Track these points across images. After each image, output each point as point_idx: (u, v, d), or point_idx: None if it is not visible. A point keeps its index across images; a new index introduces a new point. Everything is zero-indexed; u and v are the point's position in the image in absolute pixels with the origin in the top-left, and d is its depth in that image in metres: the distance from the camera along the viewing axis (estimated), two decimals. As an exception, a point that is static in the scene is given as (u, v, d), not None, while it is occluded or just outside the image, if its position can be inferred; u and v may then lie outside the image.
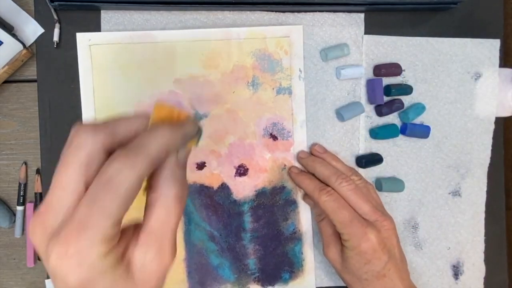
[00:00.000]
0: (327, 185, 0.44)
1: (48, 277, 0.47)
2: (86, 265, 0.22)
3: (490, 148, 0.52)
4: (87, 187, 0.23)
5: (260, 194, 0.49)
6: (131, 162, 0.23)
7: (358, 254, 0.42)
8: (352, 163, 0.50)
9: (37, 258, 0.49)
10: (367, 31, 0.50)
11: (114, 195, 0.22)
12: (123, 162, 0.23)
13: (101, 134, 0.24)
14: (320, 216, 0.47)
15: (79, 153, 0.23)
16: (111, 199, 0.22)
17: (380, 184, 0.50)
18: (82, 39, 0.47)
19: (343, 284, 0.50)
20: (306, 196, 0.48)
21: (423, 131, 0.50)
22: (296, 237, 0.49)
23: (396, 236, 0.44)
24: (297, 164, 0.49)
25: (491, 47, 0.52)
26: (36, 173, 0.49)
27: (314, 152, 0.48)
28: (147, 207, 0.25)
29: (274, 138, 0.49)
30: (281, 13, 0.49)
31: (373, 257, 0.41)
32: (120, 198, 0.22)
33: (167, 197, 0.24)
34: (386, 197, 0.50)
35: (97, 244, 0.22)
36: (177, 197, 0.25)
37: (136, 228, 0.25)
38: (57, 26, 0.47)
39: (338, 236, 0.44)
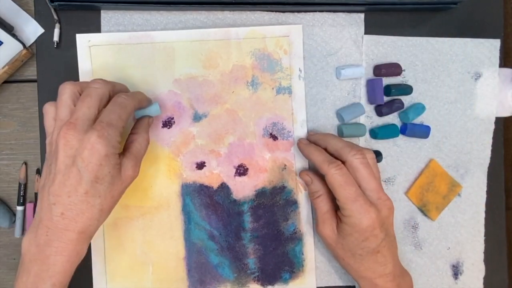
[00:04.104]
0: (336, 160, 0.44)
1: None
2: (111, 144, 0.37)
3: (490, 148, 0.52)
4: (100, 110, 0.39)
5: (260, 194, 0.49)
6: (131, 97, 0.40)
7: (357, 232, 0.42)
8: (352, 163, 0.50)
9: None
10: (367, 31, 0.50)
11: (124, 111, 0.39)
12: (127, 96, 0.40)
13: (109, 85, 0.40)
14: (317, 192, 0.46)
15: (97, 91, 0.39)
16: (123, 113, 0.39)
17: (341, 130, 0.49)
18: (82, 40, 0.47)
19: (343, 284, 0.51)
20: (303, 173, 0.48)
21: (423, 131, 0.50)
22: (296, 237, 0.49)
23: (393, 215, 0.45)
24: (298, 164, 0.49)
25: (491, 47, 0.52)
26: (36, 173, 0.49)
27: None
28: (130, 141, 0.42)
29: (274, 138, 0.49)
30: (281, 13, 0.49)
31: (371, 235, 0.42)
32: (127, 113, 0.39)
33: (142, 137, 0.43)
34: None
35: (117, 134, 0.38)
36: (147, 138, 0.43)
37: (123, 152, 0.41)
38: (57, 26, 0.47)
39: (333, 213, 0.45)
